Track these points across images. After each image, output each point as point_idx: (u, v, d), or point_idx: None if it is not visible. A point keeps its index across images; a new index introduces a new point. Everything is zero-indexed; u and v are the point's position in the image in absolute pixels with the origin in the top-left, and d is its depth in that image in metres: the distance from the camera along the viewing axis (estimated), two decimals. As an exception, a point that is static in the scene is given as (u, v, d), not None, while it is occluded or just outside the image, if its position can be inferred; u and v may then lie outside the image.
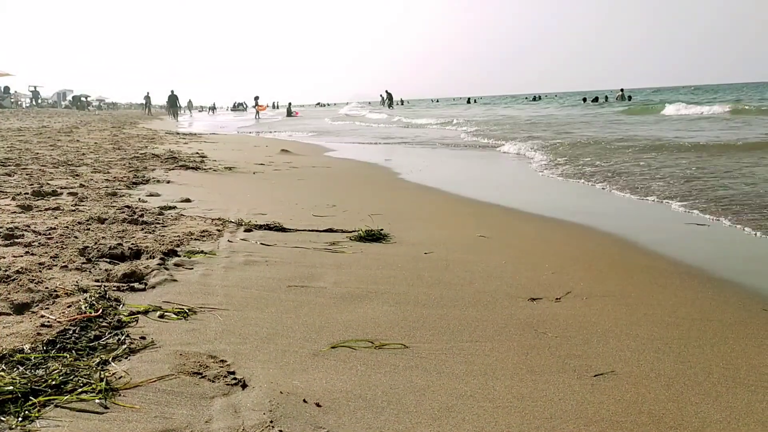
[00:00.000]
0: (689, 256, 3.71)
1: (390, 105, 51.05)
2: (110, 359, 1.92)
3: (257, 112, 41.79)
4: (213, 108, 73.49)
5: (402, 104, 66.52)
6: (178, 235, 3.64)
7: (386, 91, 51.84)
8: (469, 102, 66.50)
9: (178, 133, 18.05)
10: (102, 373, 1.81)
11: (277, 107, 65.00)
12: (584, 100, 35.03)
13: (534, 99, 57.97)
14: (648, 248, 3.93)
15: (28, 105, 47.51)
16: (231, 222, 4.17)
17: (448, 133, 18.83)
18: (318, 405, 1.76)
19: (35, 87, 51.84)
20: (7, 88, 44.53)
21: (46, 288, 2.50)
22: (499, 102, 60.80)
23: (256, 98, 43.60)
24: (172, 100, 40.98)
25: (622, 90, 43.79)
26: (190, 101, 63.42)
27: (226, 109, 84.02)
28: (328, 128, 24.56)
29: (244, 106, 72.70)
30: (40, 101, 50.45)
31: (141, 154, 9.51)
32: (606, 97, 37.33)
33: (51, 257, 2.98)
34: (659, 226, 4.74)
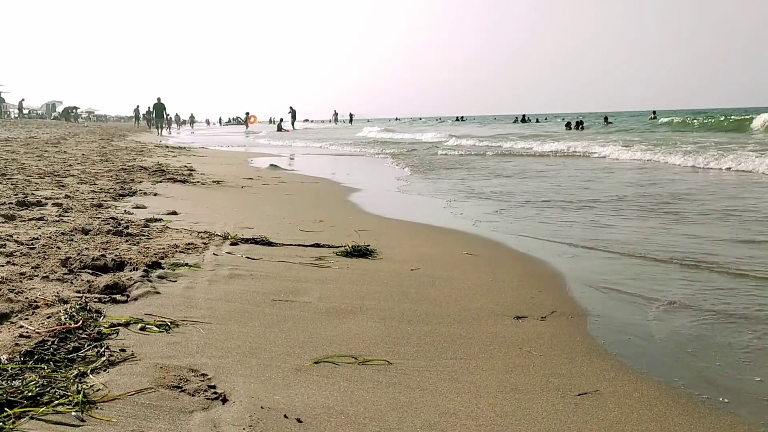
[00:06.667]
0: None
1: (293, 124, 48.31)
2: (88, 371, 1.88)
3: (247, 125, 47.36)
4: (192, 121, 65.16)
5: (351, 121, 64.31)
6: (163, 248, 3.61)
7: (290, 107, 48.76)
8: (459, 119, 65.15)
9: (167, 146, 18.00)
10: (79, 385, 1.77)
11: (273, 122, 64.92)
12: (567, 125, 34.56)
13: (517, 120, 56.62)
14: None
15: (16, 115, 46.16)
16: (217, 235, 4.15)
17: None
18: (299, 420, 1.73)
19: None
20: None
21: (27, 298, 2.46)
22: (489, 122, 60.05)
23: (247, 113, 49.35)
24: (159, 109, 34.07)
25: (654, 112, 42.80)
26: (177, 115, 60.31)
27: (215, 123, 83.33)
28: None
29: (241, 120, 76.07)
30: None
31: (129, 166, 9.46)
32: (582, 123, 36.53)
33: (32, 267, 2.93)
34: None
